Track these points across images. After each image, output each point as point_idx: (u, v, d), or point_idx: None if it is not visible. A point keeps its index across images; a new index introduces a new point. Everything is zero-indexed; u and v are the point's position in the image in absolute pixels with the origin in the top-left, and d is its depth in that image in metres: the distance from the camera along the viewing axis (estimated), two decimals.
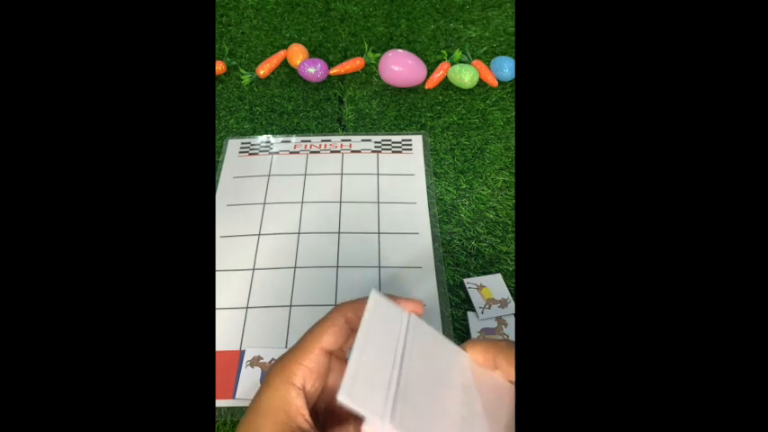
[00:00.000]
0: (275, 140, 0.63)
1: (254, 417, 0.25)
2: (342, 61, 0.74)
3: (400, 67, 0.68)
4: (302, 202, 0.56)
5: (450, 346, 0.28)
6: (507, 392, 0.26)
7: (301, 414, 0.25)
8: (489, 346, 0.27)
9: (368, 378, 0.23)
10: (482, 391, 0.26)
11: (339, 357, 0.29)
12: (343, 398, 0.22)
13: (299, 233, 0.53)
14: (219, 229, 0.54)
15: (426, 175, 0.59)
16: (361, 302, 0.28)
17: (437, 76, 0.70)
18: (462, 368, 0.27)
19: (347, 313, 0.28)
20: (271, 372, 0.27)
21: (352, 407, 0.22)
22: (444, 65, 0.71)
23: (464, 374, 0.27)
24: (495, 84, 0.70)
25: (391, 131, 0.64)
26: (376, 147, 0.62)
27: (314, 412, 0.26)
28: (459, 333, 0.46)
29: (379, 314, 0.26)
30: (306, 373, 0.26)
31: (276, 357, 0.44)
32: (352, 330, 0.28)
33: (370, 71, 0.74)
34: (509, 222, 0.54)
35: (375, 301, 0.27)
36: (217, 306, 0.48)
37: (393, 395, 0.23)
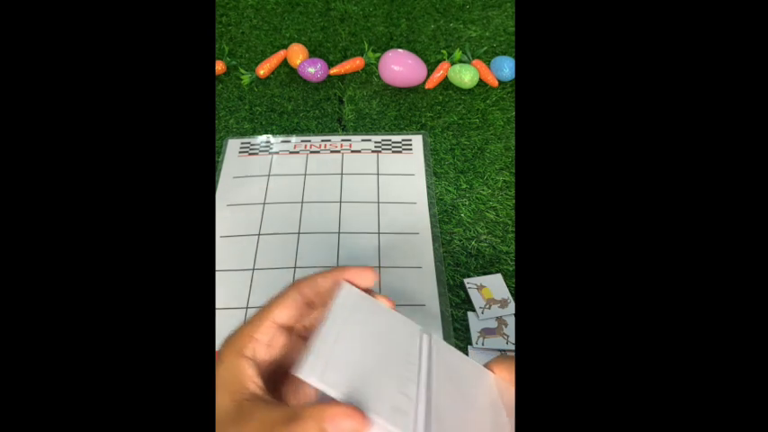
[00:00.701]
0: (275, 140, 0.63)
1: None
2: (342, 61, 0.74)
3: (400, 67, 0.68)
4: (302, 202, 0.56)
5: (474, 365, 0.27)
6: None
7: (253, 381, 0.25)
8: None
9: (392, 398, 0.23)
10: (509, 410, 0.26)
11: (298, 332, 0.29)
12: (375, 416, 0.21)
13: (299, 233, 0.53)
14: (219, 229, 0.54)
15: (426, 175, 0.59)
16: (315, 277, 0.28)
17: (437, 76, 0.70)
18: (489, 388, 0.27)
19: (302, 287, 0.28)
20: (222, 348, 0.27)
21: (381, 423, 0.21)
22: (444, 65, 0.71)
23: (491, 394, 0.26)
24: (495, 84, 0.70)
25: (391, 131, 0.64)
26: (376, 147, 0.62)
27: (272, 382, 0.27)
28: (459, 333, 0.45)
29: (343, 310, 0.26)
30: (256, 345, 0.26)
31: None
32: (307, 305, 0.28)
33: (370, 71, 0.74)
34: (509, 222, 0.54)
35: (349, 298, 0.27)
36: (217, 306, 0.48)
37: (423, 421, 0.22)
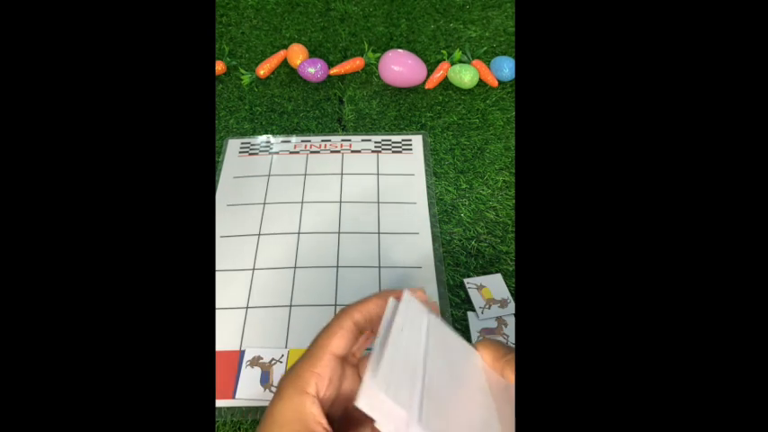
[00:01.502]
0: (275, 140, 0.63)
1: (271, 429, 0.25)
2: (342, 61, 0.74)
3: (400, 67, 0.68)
4: (302, 202, 0.56)
5: (465, 346, 0.27)
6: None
7: (318, 422, 0.25)
8: (499, 354, 0.27)
9: (397, 377, 0.23)
10: (494, 392, 0.26)
11: (350, 362, 0.29)
12: (375, 393, 0.21)
13: (299, 233, 0.53)
14: (219, 229, 0.54)
15: (426, 175, 0.59)
16: (366, 303, 0.28)
17: (437, 76, 0.70)
18: (477, 369, 0.27)
19: (354, 315, 0.27)
20: (283, 382, 0.26)
21: (379, 405, 0.21)
22: (444, 65, 0.71)
23: (479, 376, 0.27)
24: (495, 84, 0.70)
25: (391, 131, 0.64)
26: (376, 147, 0.62)
27: (329, 418, 0.26)
28: (459, 333, 0.45)
29: (408, 315, 0.26)
30: (318, 381, 0.26)
31: (276, 357, 0.44)
32: (360, 333, 0.28)
33: (370, 71, 0.74)
34: (509, 222, 0.54)
35: (407, 301, 0.27)
36: (217, 306, 0.48)
37: (419, 397, 0.22)
